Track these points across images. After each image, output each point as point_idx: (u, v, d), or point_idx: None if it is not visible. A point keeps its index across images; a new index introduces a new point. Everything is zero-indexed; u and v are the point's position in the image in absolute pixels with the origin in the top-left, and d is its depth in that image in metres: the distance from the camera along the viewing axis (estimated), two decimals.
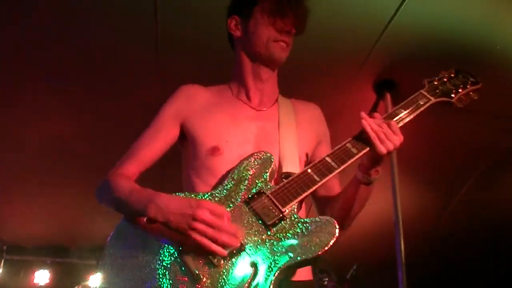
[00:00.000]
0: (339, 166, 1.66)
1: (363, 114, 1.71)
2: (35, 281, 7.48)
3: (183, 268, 1.45)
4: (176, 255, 1.48)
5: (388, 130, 1.67)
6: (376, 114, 1.78)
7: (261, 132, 1.85)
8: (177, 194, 1.63)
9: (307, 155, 1.92)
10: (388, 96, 4.28)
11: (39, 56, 3.96)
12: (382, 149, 1.64)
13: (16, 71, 4.13)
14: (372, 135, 1.65)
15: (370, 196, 1.81)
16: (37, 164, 5.42)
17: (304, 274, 1.68)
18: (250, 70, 1.94)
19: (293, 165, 1.76)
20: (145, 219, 1.55)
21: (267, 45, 1.85)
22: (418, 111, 1.80)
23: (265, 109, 1.94)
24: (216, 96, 1.96)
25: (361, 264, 5.34)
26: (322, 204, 1.94)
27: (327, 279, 5.01)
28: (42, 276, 7.53)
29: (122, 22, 3.63)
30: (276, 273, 1.42)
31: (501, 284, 7.43)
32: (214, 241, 1.43)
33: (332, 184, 1.93)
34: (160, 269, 1.46)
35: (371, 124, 1.67)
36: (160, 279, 1.44)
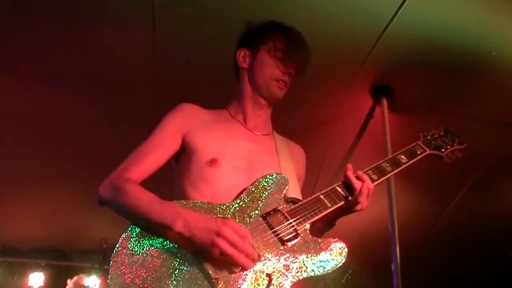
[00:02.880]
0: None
1: (360, 173, 1.88)
2: (29, 283, 7.45)
3: (200, 273, 1.51)
4: (194, 260, 1.54)
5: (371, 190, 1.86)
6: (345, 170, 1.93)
7: (255, 153, 1.96)
8: (195, 202, 1.71)
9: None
10: (385, 101, 4.30)
11: (34, 56, 3.96)
12: (363, 206, 1.85)
13: (11, 71, 4.13)
14: (365, 193, 1.83)
15: None
16: (33, 166, 5.41)
17: None
18: (250, 98, 2.07)
19: (295, 192, 1.91)
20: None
21: (268, 82, 2.00)
22: (415, 159, 2.09)
23: (259, 133, 2.06)
24: (214, 116, 2.07)
25: (356, 268, 5.34)
26: None
27: None
28: (36, 278, 7.51)
29: (119, 24, 3.64)
30: (289, 286, 1.53)
31: None
32: (233, 259, 1.51)
33: None
34: (176, 272, 1.51)
35: (368, 184, 1.84)
36: (177, 281, 1.49)
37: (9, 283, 7.43)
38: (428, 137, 2.24)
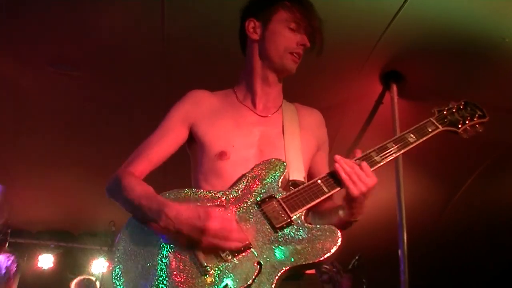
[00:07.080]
0: None
1: (337, 157, 1.72)
2: (39, 264, 7.55)
3: (192, 261, 1.54)
4: (185, 249, 1.56)
5: (360, 172, 1.68)
6: (352, 155, 1.80)
7: (265, 137, 1.91)
8: (193, 190, 1.71)
9: (308, 161, 1.98)
10: (394, 87, 4.27)
11: (44, 39, 3.96)
12: (355, 191, 1.66)
13: (23, 54, 4.14)
14: (345, 177, 1.67)
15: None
16: (43, 149, 5.45)
17: None
18: (260, 74, 1.99)
19: (298, 173, 1.83)
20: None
21: (282, 55, 1.93)
22: (426, 137, 1.89)
23: (269, 115, 1.99)
24: (222, 101, 2.00)
25: (364, 254, 5.35)
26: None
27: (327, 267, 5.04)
28: (46, 260, 7.60)
29: (129, 8, 3.63)
30: (279, 274, 1.51)
31: (502, 276, 7.45)
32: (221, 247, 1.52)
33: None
34: (170, 260, 1.55)
35: (343, 166, 1.69)
36: (170, 269, 1.53)
37: (19, 264, 7.50)
38: (444, 112, 2.01)
